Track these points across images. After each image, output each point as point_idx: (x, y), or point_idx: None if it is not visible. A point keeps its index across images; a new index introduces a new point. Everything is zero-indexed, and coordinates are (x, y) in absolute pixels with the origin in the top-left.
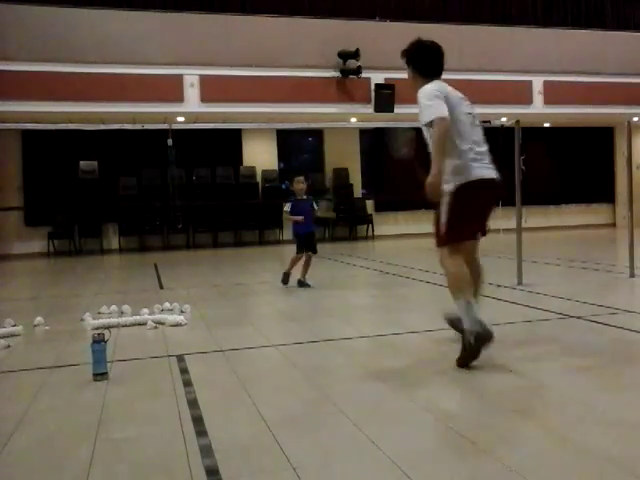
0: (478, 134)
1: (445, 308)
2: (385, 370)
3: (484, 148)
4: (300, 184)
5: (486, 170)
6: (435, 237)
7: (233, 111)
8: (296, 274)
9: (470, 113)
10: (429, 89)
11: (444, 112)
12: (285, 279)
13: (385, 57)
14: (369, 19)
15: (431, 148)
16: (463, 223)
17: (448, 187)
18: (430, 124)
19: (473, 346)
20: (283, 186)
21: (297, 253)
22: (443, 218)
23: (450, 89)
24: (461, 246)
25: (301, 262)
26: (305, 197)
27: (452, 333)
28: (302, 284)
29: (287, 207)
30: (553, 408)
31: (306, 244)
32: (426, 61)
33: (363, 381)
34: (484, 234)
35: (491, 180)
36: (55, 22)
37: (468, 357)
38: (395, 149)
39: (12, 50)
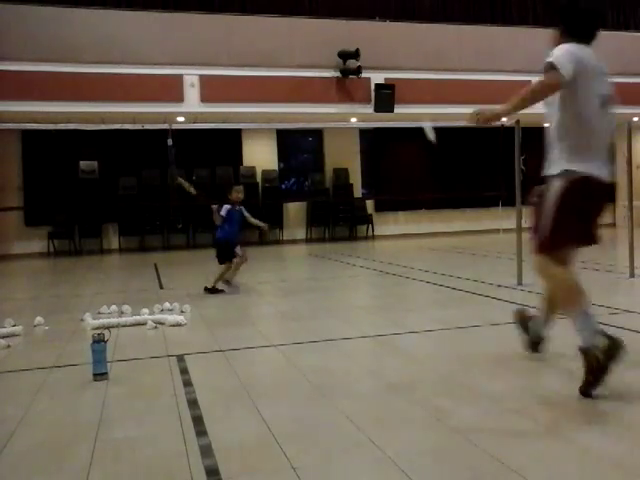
0: (606, 122)
1: (445, 308)
2: (385, 370)
3: (606, 142)
4: (239, 193)
5: (604, 169)
6: (533, 241)
7: (233, 111)
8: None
9: (605, 95)
10: (567, 47)
11: (565, 68)
12: (215, 290)
13: (385, 57)
14: (369, 19)
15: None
16: (572, 226)
17: (558, 180)
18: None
19: (602, 362)
20: (179, 180)
21: (221, 263)
22: (546, 219)
23: (592, 59)
24: (563, 254)
25: (239, 267)
26: (237, 208)
27: (453, 333)
28: (213, 291)
29: (224, 211)
30: (553, 408)
31: (220, 252)
32: (578, 21)
33: (363, 381)
34: (593, 242)
35: (608, 184)
36: (55, 22)
37: (596, 376)
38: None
39: (12, 50)
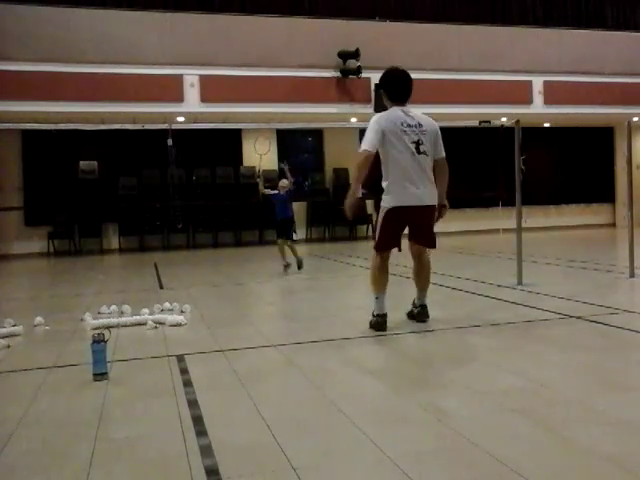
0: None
1: (445, 308)
2: (385, 370)
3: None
4: (283, 186)
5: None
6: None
7: (233, 111)
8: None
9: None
10: (372, 122)
11: (369, 144)
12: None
13: (385, 57)
14: (369, 19)
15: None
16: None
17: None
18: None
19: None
20: (282, 165)
21: (277, 238)
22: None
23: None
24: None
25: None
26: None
27: (453, 333)
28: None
29: (269, 191)
30: (553, 408)
31: (279, 229)
32: (390, 87)
33: (363, 381)
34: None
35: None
36: (55, 22)
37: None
38: None
39: (12, 50)
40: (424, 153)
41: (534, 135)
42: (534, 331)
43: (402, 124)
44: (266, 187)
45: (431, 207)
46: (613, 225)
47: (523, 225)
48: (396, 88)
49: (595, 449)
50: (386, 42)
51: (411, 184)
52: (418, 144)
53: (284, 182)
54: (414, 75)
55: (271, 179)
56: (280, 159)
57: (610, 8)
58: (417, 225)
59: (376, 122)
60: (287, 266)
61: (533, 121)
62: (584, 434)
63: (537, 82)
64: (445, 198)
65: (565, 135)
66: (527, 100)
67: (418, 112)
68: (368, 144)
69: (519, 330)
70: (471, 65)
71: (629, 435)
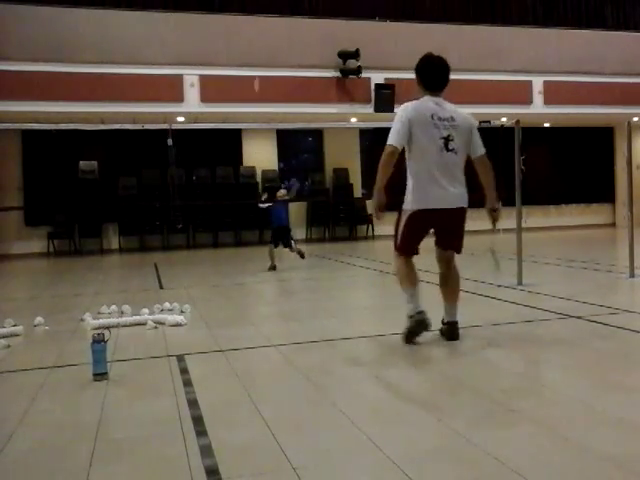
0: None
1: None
2: (385, 370)
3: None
4: (280, 196)
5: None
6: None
7: (233, 111)
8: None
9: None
10: (399, 111)
11: (394, 139)
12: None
13: (385, 57)
14: (369, 19)
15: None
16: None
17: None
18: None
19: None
20: (284, 184)
21: (270, 243)
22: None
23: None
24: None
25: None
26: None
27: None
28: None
29: (263, 205)
30: (553, 408)
31: (275, 236)
32: (425, 73)
33: (363, 381)
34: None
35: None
36: (55, 22)
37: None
38: None
39: (12, 50)
40: (453, 151)
41: (534, 135)
42: (534, 331)
43: (432, 116)
44: (261, 201)
45: (460, 210)
46: (613, 225)
47: (523, 225)
48: (431, 75)
49: (595, 449)
50: (386, 42)
51: (437, 184)
52: (448, 140)
53: (282, 192)
54: (413, 75)
55: (271, 179)
56: (280, 159)
57: (610, 8)
58: (444, 230)
59: (403, 111)
60: (273, 268)
61: (533, 121)
62: (584, 434)
63: (537, 82)
64: (496, 200)
65: (565, 135)
66: (527, 100)
67: (452, 105)
68: (394, 138)
69: (519, 330)
70: (471, 65)
71: (629, 435)
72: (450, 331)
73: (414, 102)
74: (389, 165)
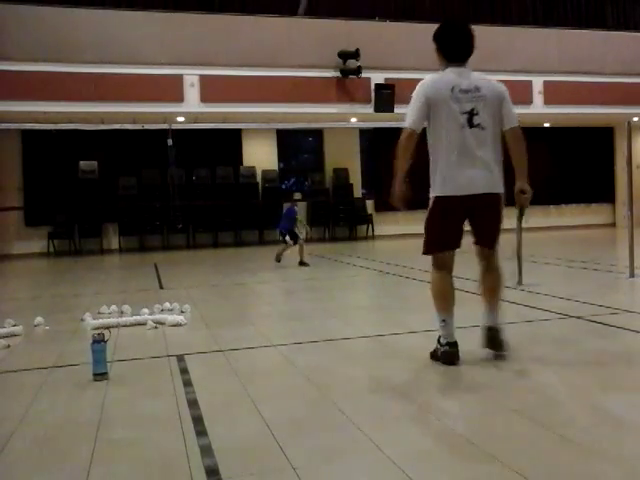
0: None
1: None
2: (385, 370)
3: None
4: (296, 199)
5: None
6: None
7: (233, 111)
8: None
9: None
10: (417, 87)
11: (410, 120)
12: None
13: (385, 57)
14: (369, 19)
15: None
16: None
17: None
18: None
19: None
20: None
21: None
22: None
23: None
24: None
25: (294, 249)
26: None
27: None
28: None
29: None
30: (554, 408)
31: (292, 236)
32: (444, 42)
33: (363, 381)
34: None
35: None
36: (55, 22)
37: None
38: None
39: (12, 50)
40: (478, 126)
41: (534, 135)
42: (534, 331)
43: (452, 89)
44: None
45: (492, 196)
46: (613, 225)
47: (523, 225)
48: (452, 43)
49: (595, 449)
50: (386, 42)
51: (461, 167)
52: (472, 114)
53: (298, 195)
54: (414, 75)
55: (271, 179)
56: (280, 159)
57: (610, 8)
58: (472, 221)
59: (421, 87)
60: (278, 261)
61: (533, 121)
62: (584, 434)
63: (537, 82)
64: (526, 181)
65: (565, 135)
66: (527, 100)
67: (478, 74)
68: (411, 119)
69: (519, 330)
70: (471, 65)
71: (629, 435)
72: (490, 339)
73: (433, 75)
74: (408, 150)
